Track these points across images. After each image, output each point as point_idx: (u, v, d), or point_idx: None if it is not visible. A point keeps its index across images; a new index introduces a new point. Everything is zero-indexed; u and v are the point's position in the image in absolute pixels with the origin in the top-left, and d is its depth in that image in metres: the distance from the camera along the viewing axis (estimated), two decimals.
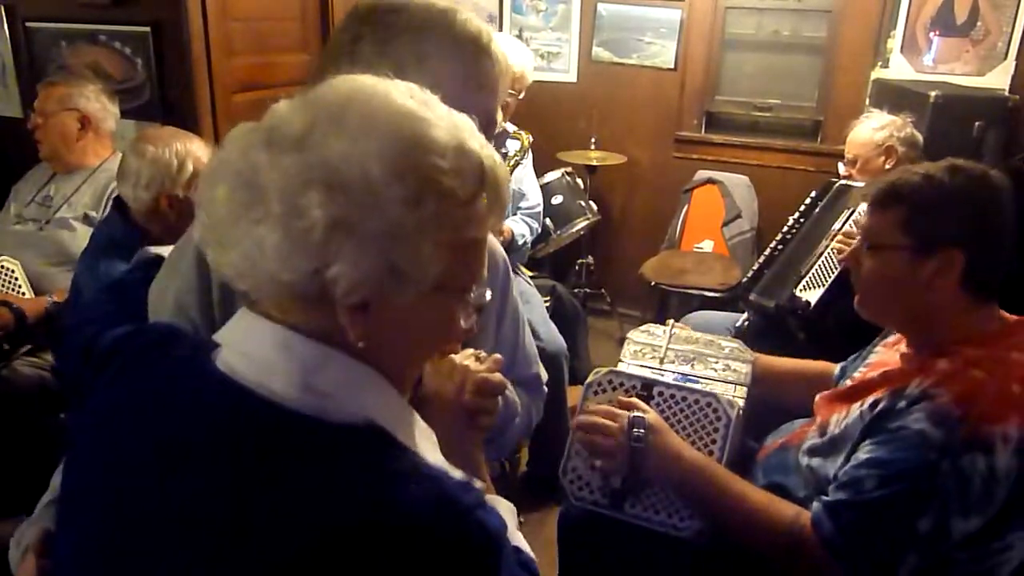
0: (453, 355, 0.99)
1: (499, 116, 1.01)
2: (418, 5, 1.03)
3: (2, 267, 2.48)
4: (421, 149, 0.68)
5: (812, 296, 2.39)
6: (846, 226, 2.46)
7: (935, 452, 1.21)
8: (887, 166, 2.64)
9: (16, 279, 2.49)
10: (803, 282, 2.45)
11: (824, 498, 1.34)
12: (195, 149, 2.00)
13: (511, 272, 1.25)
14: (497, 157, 0.76)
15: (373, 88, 0.72)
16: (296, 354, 0.70)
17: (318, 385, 0.69)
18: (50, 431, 2.32)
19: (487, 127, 0.92)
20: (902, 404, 1.30)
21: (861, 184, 2.60)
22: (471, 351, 1.02)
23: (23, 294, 2.48)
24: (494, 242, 1.18)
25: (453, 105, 0.80)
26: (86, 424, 0.78)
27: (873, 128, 2.71)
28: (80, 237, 2.57)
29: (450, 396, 0.96)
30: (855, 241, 1.60)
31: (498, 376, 1.00)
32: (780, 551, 1.37)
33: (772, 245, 2.75)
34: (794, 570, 1.37)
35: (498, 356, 1.03)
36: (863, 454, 1.32)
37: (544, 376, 1.40)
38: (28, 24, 3.11)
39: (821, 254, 2.46)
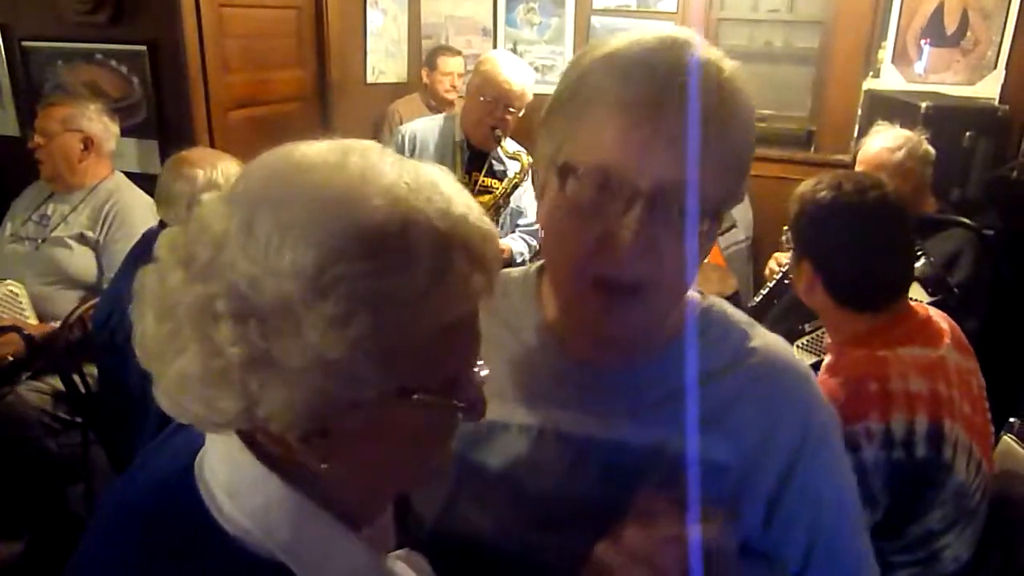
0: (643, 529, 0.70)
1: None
2: None
3: (8, 291, 2.47)
4: (347, 253, 0.55)
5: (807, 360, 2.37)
6: None
7: None
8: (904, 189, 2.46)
9: (21, 303, 2.48)
10: (803, 340, 2.42)
11: None
12: (231, 167, 2.07)
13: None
14: (465, 209, 0.61)
15: (293, 165, 0.60)
16: (235, 469, 0.63)
17: (245, 507, 0.62)
18: (51, 455, 2.33)
19: None
20: None
21: None
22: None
23: (27, 318, 2.48)
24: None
25: None
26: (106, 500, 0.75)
27: (888, 148, 2.52)
28: (77, 256, 2.59)
29: None
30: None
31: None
32: None
33: (784, 271, 2.62)
34: None
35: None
36: None
37: None
38: (24, 43, 3.12)
39: None
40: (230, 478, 0.63)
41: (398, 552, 0.77)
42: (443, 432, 0.67)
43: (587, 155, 0.72)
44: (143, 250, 2.12)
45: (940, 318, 1.56)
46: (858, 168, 2.72)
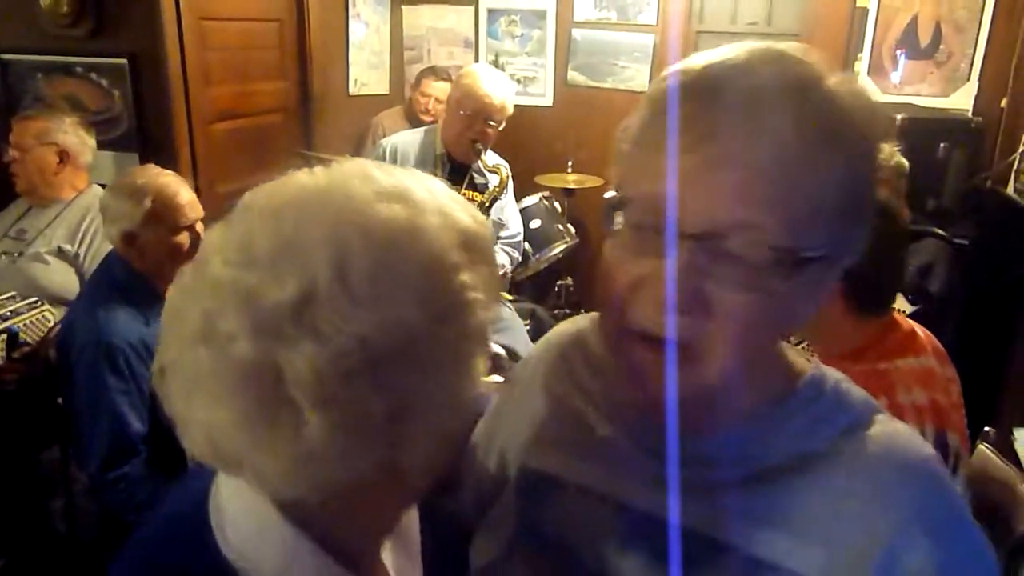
0: None
1: None
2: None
3: (41, 316, 2.40)
4: (441, 267, 0.56)
5: None
6: None
7: None
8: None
9: (48, 328, 2.40)
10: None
11: None
12: (163, 185, 2.00)
13: None
14: (474, 212, 0.63)
15: (348, 206, 0.55)
16: (239, 498, 0.63)
17: (241, 533, 0.62)
18: (39, 468, 2.30)
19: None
20: None
21: None
22: None
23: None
24: None
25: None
26: None
27: None
28: (54, 271, 2.56)
29: None
30: None
31: None
32: None
33: None
34: None
35: None
36: None
37: None
38: (3, 56, 3.09)
39: None
40: (235, 506, 0.63)
41: None
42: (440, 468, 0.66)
43: (635, 186, 0.63)
44: (103, 273, 2.09)
45: (919, 328, 1.59)
46: None
